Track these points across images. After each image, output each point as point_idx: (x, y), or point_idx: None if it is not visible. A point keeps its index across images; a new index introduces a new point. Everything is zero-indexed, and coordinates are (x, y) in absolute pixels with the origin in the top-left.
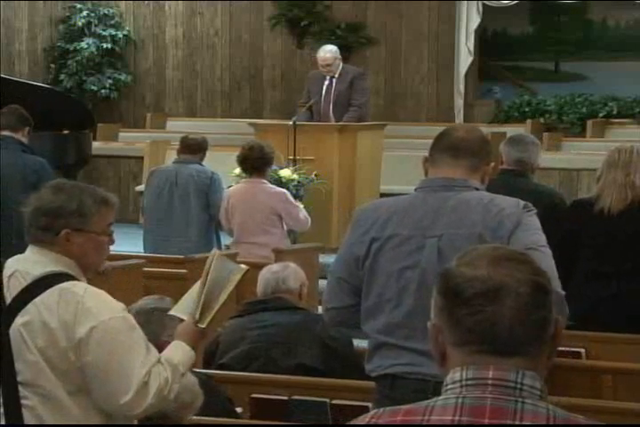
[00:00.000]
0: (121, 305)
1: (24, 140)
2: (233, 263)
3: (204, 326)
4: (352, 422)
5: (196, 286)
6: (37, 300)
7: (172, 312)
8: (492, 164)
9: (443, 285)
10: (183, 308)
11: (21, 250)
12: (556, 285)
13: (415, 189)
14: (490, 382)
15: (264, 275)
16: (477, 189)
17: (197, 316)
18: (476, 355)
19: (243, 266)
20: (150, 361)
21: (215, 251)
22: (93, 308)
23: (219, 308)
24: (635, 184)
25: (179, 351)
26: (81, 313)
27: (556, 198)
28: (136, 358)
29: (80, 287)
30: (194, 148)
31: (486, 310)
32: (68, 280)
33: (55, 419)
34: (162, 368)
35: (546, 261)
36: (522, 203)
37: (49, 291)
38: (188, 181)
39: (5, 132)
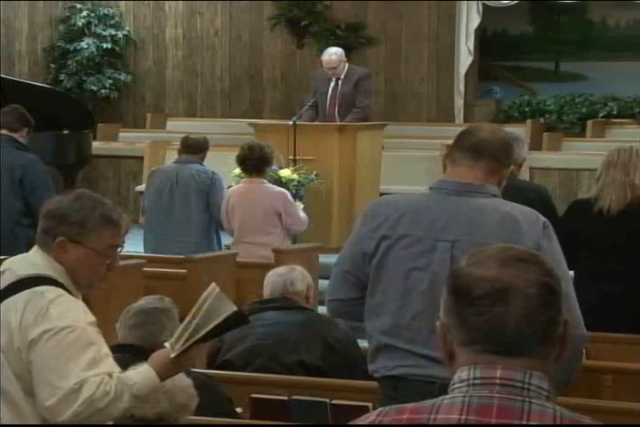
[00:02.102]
0: (90, 319)
1: (22, 140)
2: (228, 302)
3: (172, 355)
4: (358, 421)
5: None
6: (9, 300)
7: (166, 344)
8: (512, 167)
9: (452, 284)
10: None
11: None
12: (579, 327)
13: (430, 188)
14: (497, 381)
15: (270, 277)
16: (494, 196)
17: (176, 346)
18: (483, 354)
19: (234, 307)
20: (92, 372)
21: (214, 286)
22: (55, 313)
23: (193, 342)
24: (634, 184)
25: (141, 375)
26: (41, 317)
27: (541, 195)
28: (74, 368)
29: (53, 293)
30: (194, 148)
31: (493, 311)
32: (48, 285)
33: (11, 418)
34: (106, 380)
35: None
36: (542, 219)
37: (23, 292)
38: (188, 180)
39: (3, 132)
